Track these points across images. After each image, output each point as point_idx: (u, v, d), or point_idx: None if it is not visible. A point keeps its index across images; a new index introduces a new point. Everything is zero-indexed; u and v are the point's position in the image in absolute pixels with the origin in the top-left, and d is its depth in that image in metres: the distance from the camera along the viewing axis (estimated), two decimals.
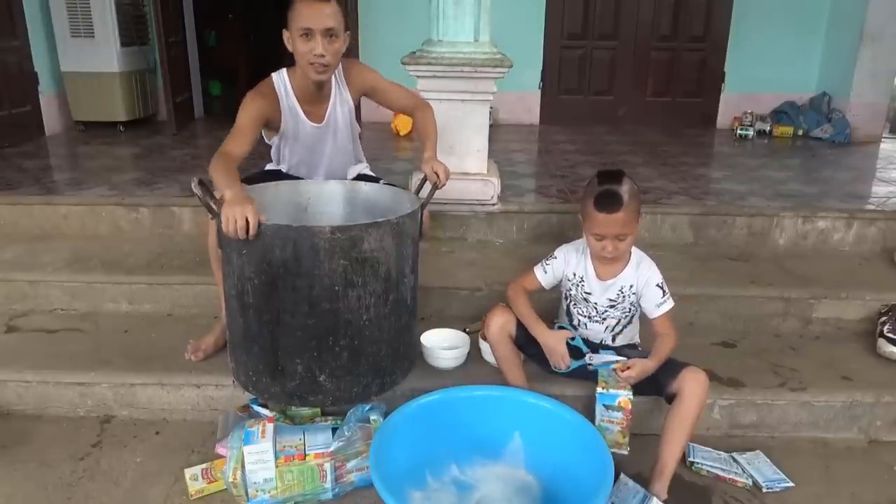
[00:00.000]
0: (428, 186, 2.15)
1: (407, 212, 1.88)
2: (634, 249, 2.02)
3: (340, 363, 1.83)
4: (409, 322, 2.03)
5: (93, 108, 5.00)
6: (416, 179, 2.26)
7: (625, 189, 1.85)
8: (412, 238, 1.93)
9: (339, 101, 2.31)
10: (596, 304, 2.01)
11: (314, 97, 2.25)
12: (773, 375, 2.29)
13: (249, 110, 2.12)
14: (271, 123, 2.25)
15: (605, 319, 2.03)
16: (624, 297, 1.98)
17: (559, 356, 1.94)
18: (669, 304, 1.96)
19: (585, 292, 2.02)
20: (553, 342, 1.95)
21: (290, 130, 2.28)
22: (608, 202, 1.83)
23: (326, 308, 1.76)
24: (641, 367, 1.87)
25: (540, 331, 1.97)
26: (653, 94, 5.80)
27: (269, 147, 2.42)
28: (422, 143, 2.28)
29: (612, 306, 2.00)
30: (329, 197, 2.28)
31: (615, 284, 1.96)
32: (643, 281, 1.96)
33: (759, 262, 2.91)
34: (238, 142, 2.05)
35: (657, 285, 1.95)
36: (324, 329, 1.79)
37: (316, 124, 2.30)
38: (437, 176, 2.10)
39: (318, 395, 1.89)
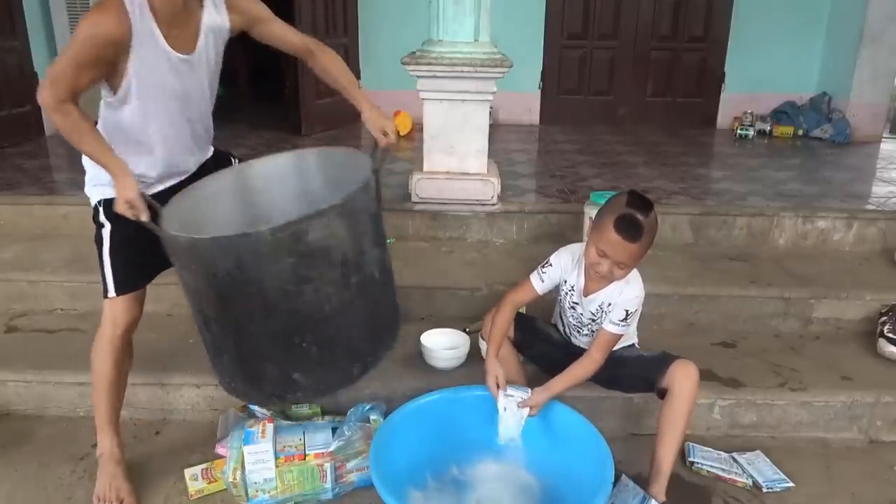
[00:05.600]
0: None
1: (354, 190, 1.65)
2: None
3: (311, 358, 1.72)
4: (383, 294, 1.85)
5: (93, 108, 4.99)
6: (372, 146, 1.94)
7: (648, 222, 1.76)
8: (368, 212, 1.71)
9: (212, 26, 1.72)
10: (581, 314, 2.01)
11: (178, 16, 1.65)
12: (773, 375, 2.29)
13: (88, 39, 1.54)
14: (116, 67, 1.62)
15: (590, 331, 2.02)
16: (603, 312, 1.94)
17: (492, 381, 1.88)
18: (619, 330, 1.89)
19: (573, 302, 2.01)
20: (492, 371, 1.90)
21: (144, 71, 1.64)
22: (628, 228, 1.73)
23: (284, 309, 1.66)
24: (534, 402, 1.86)
25: (490, 357, 1.93)
26: (653, 94, 5.80)
27: None
28: (348, 95, 1.89)
29: (592, 320, 1.99)
30: (280, 176, 2.02)
31: (596, 300, 1.94)
32: (620, 301, 1.90)
33: (759, 262, 2.91)
34: (73, 81, 1.56)
35: (625, 309, 1.89)
36: (286, 330, 1.69)
37: (184, 55, 1.68)
38: (387, 135, 1.79)
39: (297, 393, 1.78)
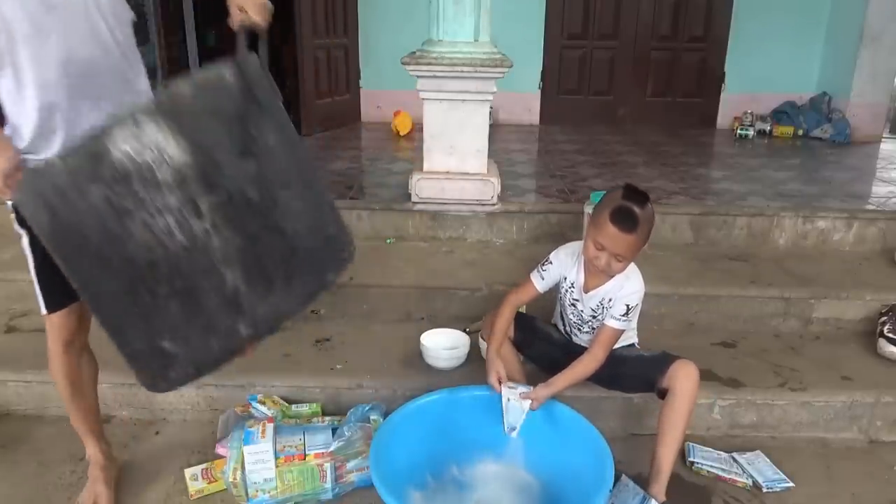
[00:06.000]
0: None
1: (181, 83, 1.30)
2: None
3: (173, 316, 1.39)
4: (275, 221, 1.42)
5: None
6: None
7: (644, 214, 1.77)
8: (218, 112, 1.33)
9: None
10: (582, 311, 2.01)
11: None
12: (773, 375, 2.29)
13: None
14: None
15: (591, 328, 2.02)
16: (603, 308, 1.95)
17: (493, 376, 1.89)
18: (621, 325, 1.90)
19: (573, 299, 2.02)
20: (493, 367, 1.92)
21: (4, 9, 1.40)
22: (623, 219, 1.75)
23: (117, 256, 1.32)
24: (535, 395, 1.85)
25: (491, 353, 1.94)
26: (653, 94, 5.80)
27: None
28: None
29: (593, 316, 1.99)
30: None
31: (597, 296, 1.95)
32: (620, 296, 1.90)
33: (759, 262, 2.91)
34: None
35: (626, 304, 1.89)
36: (129, 282, 1.35)
37: None
38: (243, 10, 1.39)
39: (176, 368, 1.44)
